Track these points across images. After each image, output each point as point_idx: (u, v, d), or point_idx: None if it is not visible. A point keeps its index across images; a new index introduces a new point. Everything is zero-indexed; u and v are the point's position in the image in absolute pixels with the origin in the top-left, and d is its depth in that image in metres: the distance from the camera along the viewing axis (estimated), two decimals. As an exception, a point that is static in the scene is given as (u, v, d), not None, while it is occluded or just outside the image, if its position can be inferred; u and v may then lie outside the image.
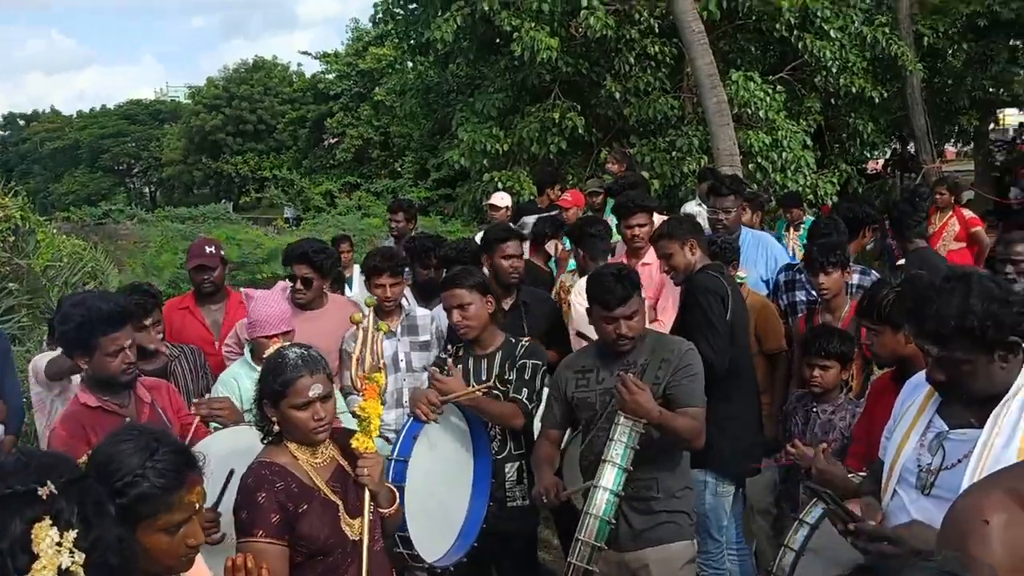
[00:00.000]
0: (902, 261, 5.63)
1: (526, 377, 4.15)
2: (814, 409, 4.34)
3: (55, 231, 9.32)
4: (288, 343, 3.97)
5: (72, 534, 1.62)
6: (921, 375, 2.62)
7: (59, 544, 1.60)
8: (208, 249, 5.42)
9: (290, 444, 3.02)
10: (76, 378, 4.41)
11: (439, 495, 3.83)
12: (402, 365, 4.98)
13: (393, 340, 5.06)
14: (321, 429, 2.99)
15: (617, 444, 3.46)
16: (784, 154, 13.22)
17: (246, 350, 4.40)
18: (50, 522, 1.61)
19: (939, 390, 2.50)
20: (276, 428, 3.02)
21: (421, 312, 5.11)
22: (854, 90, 14.37)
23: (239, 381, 4.24)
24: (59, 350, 4.59)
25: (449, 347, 4.48)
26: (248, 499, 2.88)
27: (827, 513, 2.67)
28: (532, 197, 11.61)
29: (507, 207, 9.16)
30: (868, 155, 18.59)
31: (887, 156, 21.38)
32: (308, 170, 30.12)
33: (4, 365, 4.98)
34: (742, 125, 13.15)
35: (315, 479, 3.00)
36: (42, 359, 4.78)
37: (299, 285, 5.01)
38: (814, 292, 5.28)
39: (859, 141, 15.74)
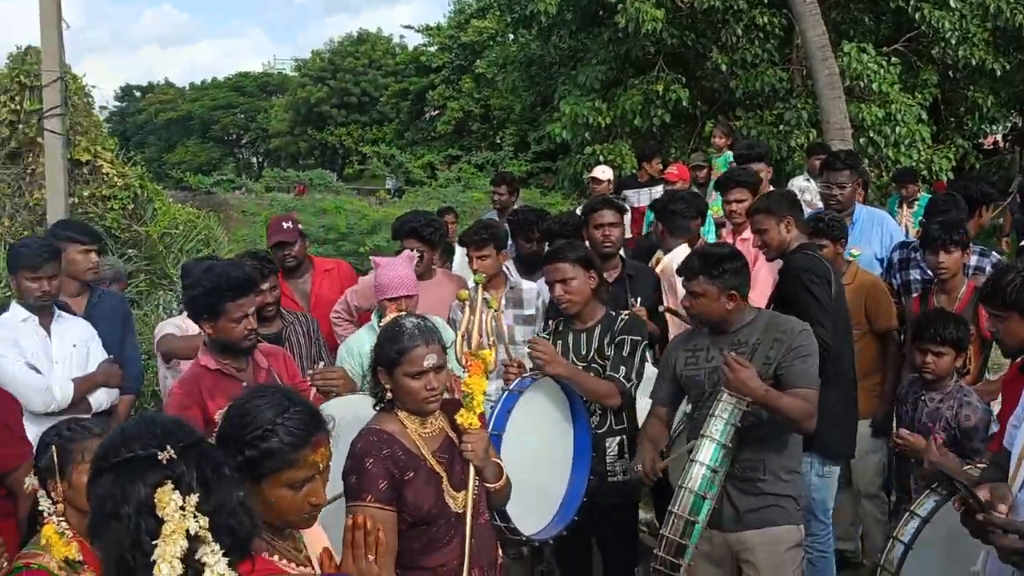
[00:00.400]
0: None
1: (624, 354, 4.10)
2: (923, 397, 4.18)
3: (170, 200, 9.62)
4: (406, 311, 4.07)
5: (194, 498, 1.66)
6: None
7: (182, 508, 1.65)
8: (285, 225, 5.52)
9: (400, 413, 3.07)
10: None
11: (537, 469, 3.83)
12: (504, 337, 5.01)
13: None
14: (433, 399, 3.03)
15: (717, 420, 3.41)
16: (898, 128, 12.79)
17: (373, 315, 4.48)
18: (172, 486, 1.66)
19: None
20: (388, 395, 3.07)
21: (528, 285, 5.11)
22: (974, 62, 13.77)
23: (362, 346, 4.32)
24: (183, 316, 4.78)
25: (550, 322, 4.48)
26: (357, 464, 2.94)
27: (962, 505, 2.55)
28: (634, 171, 11.50)
29: (609, 180, 9.10)
30: (987, 130, 17.80)
31: (1006, 131, 20.42)
32: (409, 142, 30.40)
33: (125, 328, 5.19)
34: (853, 98, 12.76)
35: (422, 448, 3.04)
36: (168, 324, 4.98)
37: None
38: (929, 271, 5.10)
39: (978, 115, 15.07)
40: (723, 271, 3.62)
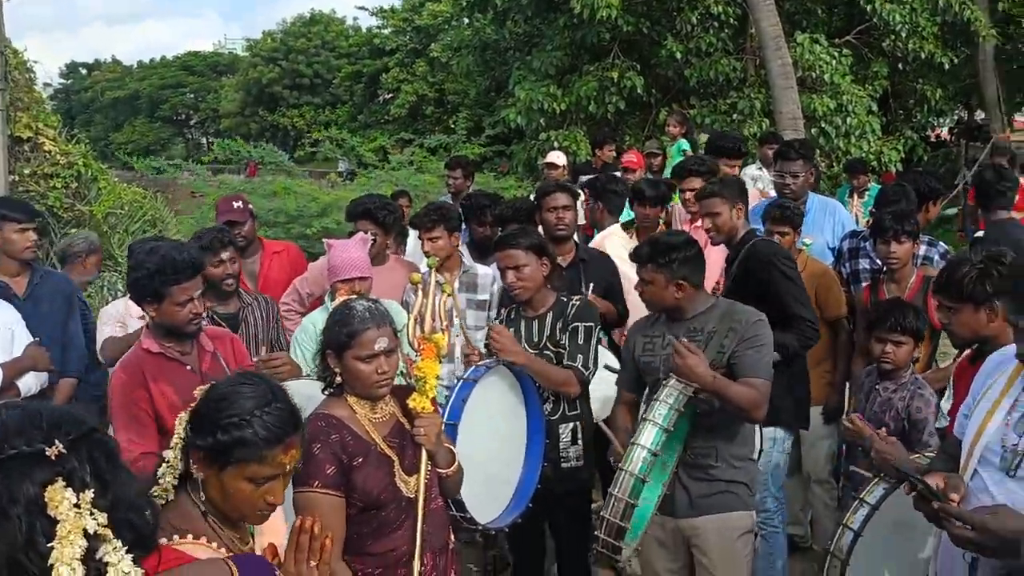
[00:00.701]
0: (980, 233, 5.41)
1: (580, 341, 4.06)
2: (877, 386, 4.20)
3: (116, 179, 9.42)
4: (359, 294, 4.00)
5: (89, 494, 1.56)
6: (1006, 351, 2.51)
7: (77, 506, 1.54)
8: (235, 204, 5.42)
9: (350, 397, 3.01)
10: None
11: (492, 457, 3.78)
12: (456, 321, 4.96)
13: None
14: (384, 383, 2.97)
15: (662, 405, 3.38)
16: (848, 119, 12.94)
17: (327, 297, 4.40)
18: (63, 483, 1.55)
19: None
20: (338, 380, 3.01)
21: (483, 270, 5.05)
22: (923, 55, 13.99)
23: (317, 327, 4.24)
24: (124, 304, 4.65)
25: (502, 311, 4.43)
26: (304, 450, 2.87)
27: (912, 491, 2.55)
28: (588, 158, 11.50)
29: (564, 166, 9.06)
30: (934, 123, 18.10)
31: (952, 124, 20.82)
32: (363, 125, 30.20)
33: (69, 309, 5.04)
34: (806, 89, 12.88)
35: (372, 434, 2.98)
36: (109, 318, 4.82)
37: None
38: (878, 261, 5.13)
39: (926, 108, 15.34)
40: (671, 260, 3.59)
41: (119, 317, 4.74)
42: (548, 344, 4.10)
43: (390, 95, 31.29)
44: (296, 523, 2.18)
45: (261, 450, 2.11)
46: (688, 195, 5.52)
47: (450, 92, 24.96)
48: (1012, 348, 2.50)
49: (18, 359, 4.44)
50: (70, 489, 1.55)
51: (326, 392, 3.08)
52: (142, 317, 4.58)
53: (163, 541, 1.99)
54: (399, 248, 6.24)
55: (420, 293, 3.53)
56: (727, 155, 6.89)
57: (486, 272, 5.00)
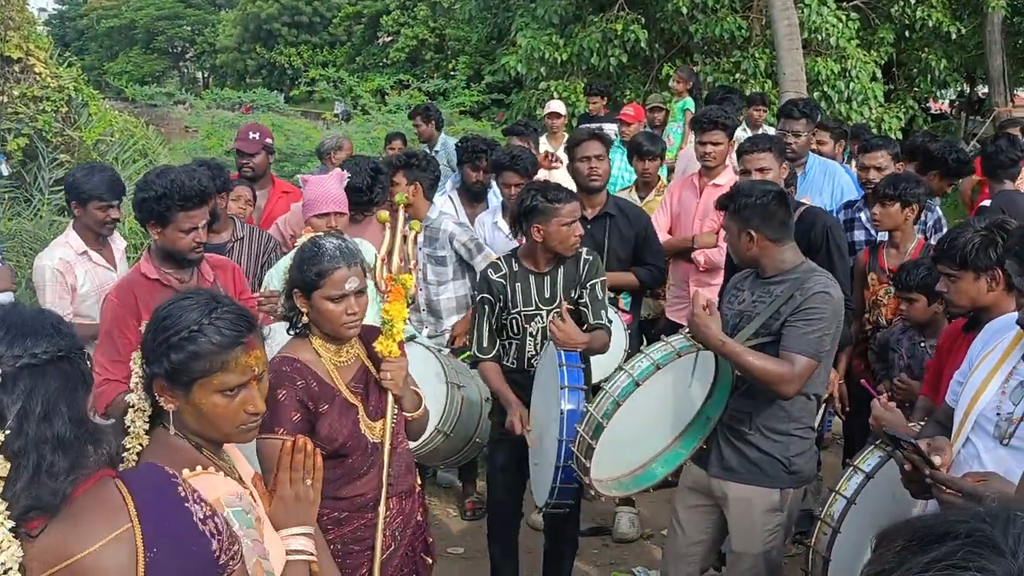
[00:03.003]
0: (987, 202, 5.36)
1: (599, 298, 4.03)
2: (921, 343, 4.24)
3: (107, 107, 9.25)
4: (335, 229, 3.93)
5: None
6: (1004, 319, 2.47)
7: None
8: (252, 135, 5.40)
9: (315, 340, 2.93)
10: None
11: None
12: (419, 273, 4.92)
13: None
14: (352, 324, 2.90)
15: (665, 344, 3.37)
16: (851, 84, 12.82)
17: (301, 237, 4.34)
18: None
19: None
20: (305, 320, 2.93)
21: (445, 227, 4.98)
22: (931, 23, 13.82)
23: None
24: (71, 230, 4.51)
25: (502, 265, 4.25)
26: (268, 396, 2.81)
27: (901, 460, 2.52)
28: (587, 109, 11.37)
29: (565, 115, 8.98)
30: (937, 94, 17.96)
31: (954, 98, 20.66)
32: (360, 67, 29.79)
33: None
34: (810, 51, 12.74)
35: (336, 379, 2.91)
36: (48, 260, 4.47)
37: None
38: (873, 232, 5.10)
39: (929, 78, 15.18)
40: (741, 207, 3.47)
41: (58, 273, 4.40)
42: (564, 302, 4.03)
43: (390, 38, 30.86)
44: (287, 444, 2.17)
45: (221, 356, 2.03)
46: (710, 149, 5.34)
47: (451, 38, 24.58)
48: (1011, 316, 2.47)
49: None
50: None
51: (291, 332, 3.00)
52: (83, 253, 4.46)
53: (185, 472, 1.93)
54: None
55: (387, 231, 3.46)
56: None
57: (445, 229, 4.93)
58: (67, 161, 7.66)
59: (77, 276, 4.40)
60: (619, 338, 4.71)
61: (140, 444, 2.03)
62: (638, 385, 3.27)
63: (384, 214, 3.82)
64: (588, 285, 4.03)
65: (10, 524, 1.49)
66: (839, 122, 8.31)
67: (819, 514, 3.32)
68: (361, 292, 2.92)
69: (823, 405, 4.53)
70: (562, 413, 3.47)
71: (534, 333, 4.07)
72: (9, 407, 1.51)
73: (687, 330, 3.37)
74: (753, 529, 3.52)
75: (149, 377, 2.06)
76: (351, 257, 2.91)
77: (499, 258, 4.25)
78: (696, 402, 3.59)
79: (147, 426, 2.07)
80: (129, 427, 2.05)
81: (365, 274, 2.98)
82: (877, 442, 3.32)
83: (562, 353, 3.61)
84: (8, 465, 1.50)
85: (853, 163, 8.96)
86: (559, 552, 4.25)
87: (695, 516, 3.73)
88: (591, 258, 4.10)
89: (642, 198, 5.96)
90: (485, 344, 4.09)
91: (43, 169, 7.47)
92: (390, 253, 3.31)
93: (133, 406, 2.06)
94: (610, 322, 4.06)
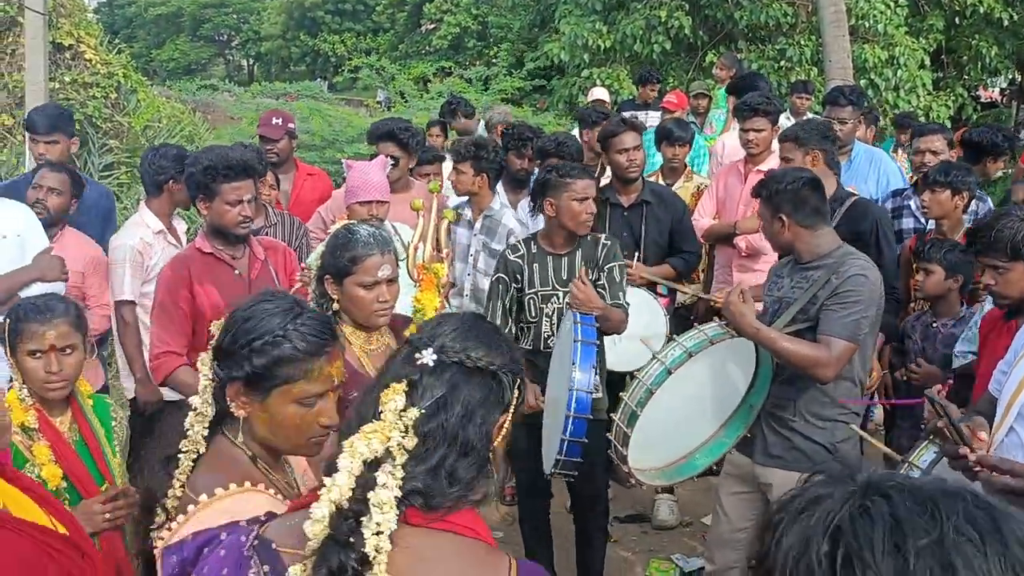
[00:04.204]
0: None
1: (617, 280, 4.06)
2: (933, 324, 4.18)
3: (155, 93, 9.39)
4: (376, 218, 3.96)
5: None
6: None
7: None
8: (275, 120, 5.47)
9: (345, 328, 2.93)
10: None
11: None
12: (470, 260, 4.94)
13: (470, 232, 4.99)
14: (384, 312, 2.90)
15: (698, 332, 3.39)
16: (899, 72, 12.63)
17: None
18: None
19: None
20: (336, 307, 2.93)
21: (506, 222, 4.98)
22: (982, 9, 13.56)
23: None
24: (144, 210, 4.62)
25: (520, 246, 4.27)
26: None
27: (940, 444, 2.50)
28: (631, 96, 11.31)
29: (609, 103, 8.95)
30: (987, 82, 17.62)
31: (1004, 86, 20.23)
32: (403, 54, 29.82)
33: (107, 223, 5.03)
34: (858, 38, 12.55)
35: (366, 367, 2.90)
36: (127, 238, 4.57)
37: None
38: (922, 220, 5.04)
39: (980, 65, 14.88)
40: (772, 192, 3.48)
41: (137, 253, 4.47)
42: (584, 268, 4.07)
43: (432, 25, 30.85)
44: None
45: (305, 364, 1.96)
46: (752, 136, 5.31)
47: (494, 25, 24.54)
48: None
49: (19, 270, 4.04)
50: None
51: None
52: (160, 232, 4.56)
53: (217, 491, 1.87)
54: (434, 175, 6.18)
55: (420, 219, 3.48)
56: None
57: (506, 225, 4.93)
58: (116, 147, 7.80)
59: (152, 255, 4.48)
60: (660, 322, 4.72)
61: (197, 450, 1.98)
62: (670, 373, 3.28)
63: (418, 201, 3.86)
64: (606, 268, 4.06)
65: (398, 493, 1.51)
66: (870, 107, 8.20)
67: None
68: (393, 280, 2.93)
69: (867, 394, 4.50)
70: (571, 389, 3.49)
71: (550, 314, 4.10)
72: (433, 390, 1.59)
73: (717, 321, 3.38)
74: None
75: (223, 380, 1.97)
76: (384, 245, 2.93)
77: (519, 240, 4.28)
78: (740, 390, 3.59)
79: (206, 432, 2.00)
80: (187, 430, 1.99)
81: (397, 262, 2.99)
82: (931, 437, 3.28)
83: (579, 328, 3.61)
84: (416, 441, 1.55)
85: (899, 152, 8.86)
86: (588, 537, 4.26)
87: (738, 503, 3.73)
88: (609, 243, 4.14)
89: (669, 185, 5.93)
90: (498, 323, 4.12)
91: (93, 154, 7.61)
92: (423, 240, 3.33)
93: (195, 410, 2.00)
94: (628, 304, 4.08)
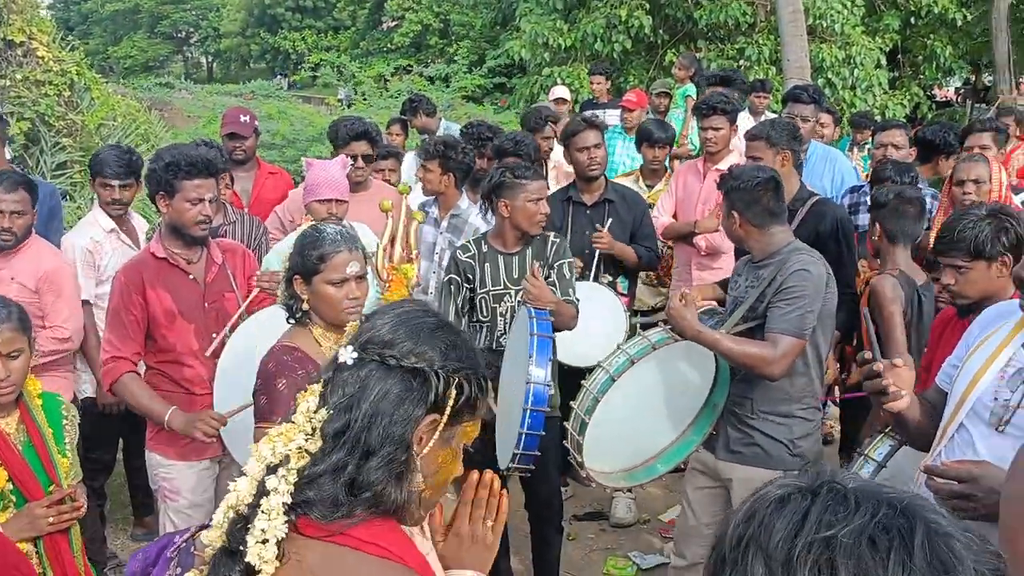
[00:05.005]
0: None
1: (567, 277, 4.09)
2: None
3: (110, 91, 9.25)
4: (335, 216, 3.93)
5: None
6: (1005, 305, 2.44)
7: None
8: (243, 118, 5.42)
9: (315, 329, 2.92)
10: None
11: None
12: (435, 257, 4.92)
13: (436, 230, 4.97)
14: (353, 309, 2.89)
15: (642, 339, 3.39)
16: (856, 71, 12.80)
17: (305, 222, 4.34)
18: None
19: None
20: (305, 307, 2.92)
21: (472, 221, 4.97)
22: (936, 10, 13.77)
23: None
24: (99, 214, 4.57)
25: (471, 246, 4.27)
26: (268, 385, 2.79)
27: (895, 437, 2.53)
28: (591, 96, 11.34)
29: (570, 101, 8.96)
30: (942, 82, 17.90)
31: (959, 85, 20.60)
32: (364, 52, 29.71)
33: (50, 222, 4.94)
34: (815, 38, 12.69)
35: None
36: (76, 239, 4.67)
37: (360, 163, 4.94)
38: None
39: (935, 65, 15.13)
40: (730, 190, 3.52)
41: (87, 252, 4.51)
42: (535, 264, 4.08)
43: (394, 23, 30.77)
44: (473, 478, 1.91)
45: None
46: (712, 134, 5.35)
47: (455, 23, 24.53)
48: (1013, 302, 2.46)
49: None
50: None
51: (290, 321, 2.99)
52: (112, 231, 4.54)
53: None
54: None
55: (390, 220, 3.46)
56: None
57: (473, 224, 4.92)
58: (69, 145, 7.67)
59: (104, 255, 4.47)
60: (620, 321, 4.74)
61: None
62: (614, 380, 3.30)
63: (387, 202, 3.83)
64: (556, 265, 4.07)
65: (288, 499, 1.42)
66: (830, 108, 8.36)
67: None
68: (362, 277, 2.92)
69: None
70: (528, 383, 3.49)
71: (503, 312, 4.11)
72: (344, 389, 1.50)
73: (662, 326, 3.40)
74: None
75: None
76: (352, 242, 2.92)
77: (468, 240, 4.27)
78: (702, 390, 3.62)
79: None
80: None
81: (366, 260, 2.98)
82: (887, 430, 3.31)
83: (534, 323, 3.62)
84: (320, 444, 1.47)
85: (854, 151, 8.97)
86: (543, 535, 4.27)
87: (703, 498, 3.76)
88: (559, 240, 4.15)
89: (650, 186, 5.94)
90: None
91: (46, 153, 7.49)
92: (393, 241, 3.31)
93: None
94: (578, 300, 4.09)
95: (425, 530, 1.83)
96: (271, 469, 1.46)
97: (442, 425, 1.53)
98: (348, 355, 1.52)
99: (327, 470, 1.44)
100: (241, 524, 1.42)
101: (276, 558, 1.39)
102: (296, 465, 1.44)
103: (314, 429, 1.47)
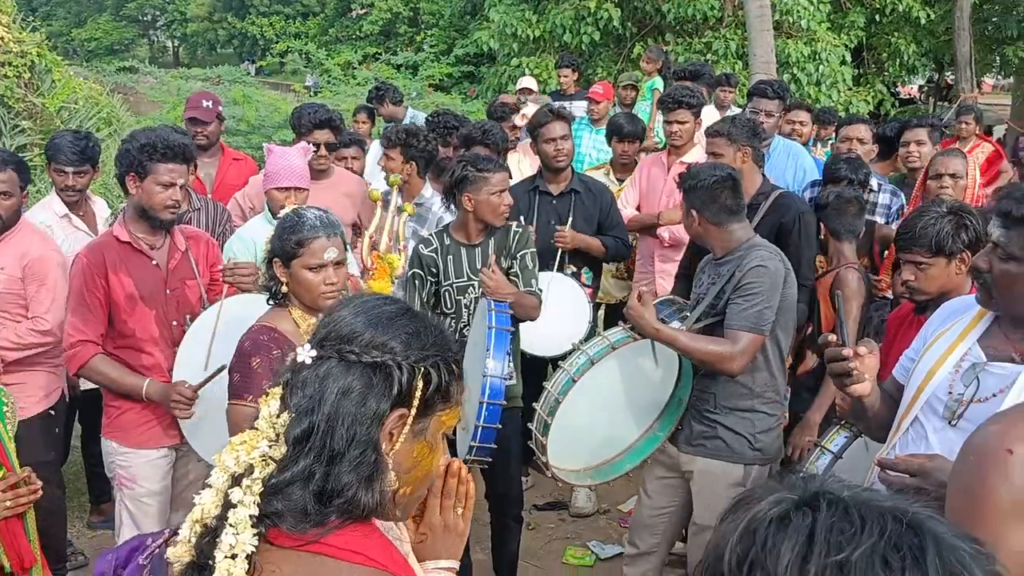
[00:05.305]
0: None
1: (529, 267, 4.11)
2: (869, 317, 4.28)
3: (72, 74, 9.11)
4: (303, 204, 3.91)
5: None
6: (963, 300, 2.47)
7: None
8: (205, 103, 5.37)
9: (294, 311, 2.97)
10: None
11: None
12: (399, 247, 4.92)
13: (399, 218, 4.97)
14: (331, 294, 2.93)
15: (602, 339, 3.42)
16: (821, 67, 12.90)
17: (265, 205, 4.31)
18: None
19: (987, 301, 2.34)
20: (284, 289, 2.96)
21: (436, 210, 4.97)
22: (900, 8, 13.92)
23: (255, 236, 4.15)
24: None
25: (433, 239, 4.27)
26: (242, 363, 2.83)
27: (852, 427, 2.56)
28: (559, 87, 11.36)
29: (537, 91, 8.97)
30: (905, 79, 18.12)
31: (922, 83, 20.85)
32: (333, 39, 29.51)
33: None
34: (782, 33, 12.79)
35: None
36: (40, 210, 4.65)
37: (322, 151, 4.91)
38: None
39: (898, 62, 15.31)
40: (688, 188, 3.55)
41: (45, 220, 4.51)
42: (494, 256, 4.09)
43: (363, 10, 30.57)
44: (442, 467, 1.82)
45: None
46: (676, 128, 5.37)
47: (425, 11, 24.42)
48: (970, 297, 2.49)
49: None
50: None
51: (271, 303, 3.03)
52: (64, 216, 4.50)
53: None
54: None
55: (379, 210, 3.47)
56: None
57: (437, 213, 4.91)
58: (29, 128, 7.56)
59: (56, 240, 4.39)
60: (584, 311, 4.76)
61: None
62: (575, 381, 3.33)
63: (376, 193, 3.81)
64: (518, 255, 4.09)
65: (255, 511, 1.36)
66: (826, 109, 8.47)
67: None
68: (340, 263, 2.96)
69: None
70: (484, 375, 3.51)
71: (467, 304, 4.12)
72: (304, 389, 1.42)
73: (622, 325, 3.42)
74: (716, 503, 3.56)
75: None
76: (331, 228, 2.96)
77: (431, 233, 4.27)
78: (667, 386, 3.65)
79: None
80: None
81: (345, 246, 3.02)
82: (842, 422, 3.36)
83: (493, 315, 3.64)
84: (285, 450, 1.40)
85: (818, 146, 9.05)
86: (503, 524, 4.29)
87: (662, 488, 3.79)
88: (520, 230, 4.16)
89: (620, 180, 5.96)
90: None
91: (5, 135, 7.38)
92: (380, 231, 3.32)
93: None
94: (541, 291, 4.12)
95: (402, 527, 1.74)
96: (236, 479, 1.39)
97: (411, 419, 1.46)
98: (306, 353, 1.45)
99: (294, 478, 1.38)
100: (209, 538, 1.36)
101: (247, 573, 1.34)
102: (261, 475, 1.38)
103: (278, 435, 1.41)
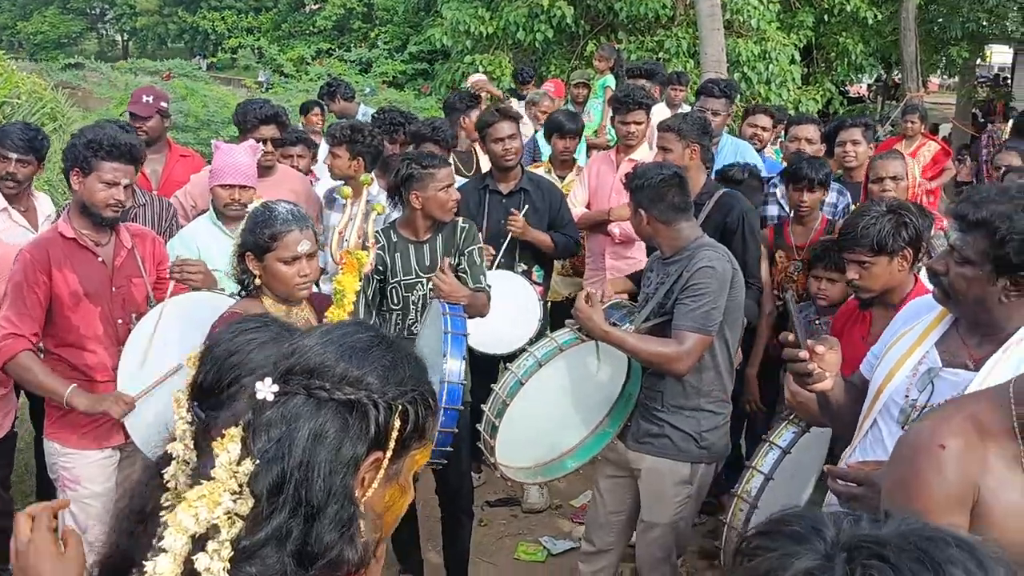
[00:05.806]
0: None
1: (477, 263, 4.13)
2: (817, 321, 4.32)
3: (14, 68, 8.93)
4: (240, 204, 3.90)
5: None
6: (927, 299, 2.49)
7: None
8: (145, 98, 5.30)
9: (266, 300, 3.02)
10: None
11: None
12: (368, 244, 4.90)
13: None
14: (304, 285, 3.02)
15: (550, 341, 3.44)
16: (771, 66, 13.06)
17: (210, 204, 4.26)
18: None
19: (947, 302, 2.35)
20: (257, 282, 3.01)
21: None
22: (849, 8, 14.13)
23: (197, 237, 4.11)
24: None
25: (380, 236, 4.25)
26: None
27: (799, 423, 2.59)
28: (512, 86, 11.38)
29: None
30: (854, 78, 18.40)
31: (871, 82, 21.19)
32: (286, 35, 29.24)
33: None
34: (732, 32, 12.91)
35: None
36: None
37: (268, 147, 4.87)
38: (786, 208, 5.22)
39: (846, 62, 15.55)
40: (634, 187, 3.58)
41: None
42: (446, 259, 4.09)
43: (317, 6, 30.36)
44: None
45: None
46: (634, 128, 5.38)
47: (379, 8, 24.29)
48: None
49: None
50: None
51: (242, 295, 3.09)
52: (3, 210, 4.41)
53: None
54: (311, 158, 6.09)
55: (348, 207, 3.47)
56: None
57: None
58: (-30, 123, 7.39)
59: None
60: (534, 309, 4.78)
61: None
62: (522, 384, 3.35)
63: (347, 190, 3.81)
64: (466, 252, 4.11)
65: (227, 566, 1.20)
66: (781, 110, 8.56)
67: (736, 491, 3.37)
68: (312, 255, 3.03)
69: None
70: (443, 381, 3.50)
71: (416, 301, 4.13)
72: (269, 432, 1.25)
73: (570, 325, 3.43)
74: (663, 500, 3.61)
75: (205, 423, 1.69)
76: (303, 221, 3.02)
77: (378, 230, 4.26)
78: (617, 383, 3.68)
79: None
80: (169, 482, 1.57)
81: (316, 239, 3.08)
82: (791, 417, 3.40)
83: (448, 319, 3.64)
84: (251, 504, 1.23)
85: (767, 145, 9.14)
86: (454, 521, 4.30)
87: (614, 487, 3.82)
88: (467, 226, 4.18)
89: (561, 177, 5.98)
90: (361, 316, 4.11)
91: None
92: (349, 227, 3.34)
93: (177, 458, 1.59)
94: (489, 287, 4.14)
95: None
96: (197, 541, 1.22)
97: (386, 462, 1.31)
98: (267, 389, 1.27)
99: (268, 539, 1.21)
100: None
101: None
102: (228, 535, 1.20)
103: (241, 486, 1.23)
